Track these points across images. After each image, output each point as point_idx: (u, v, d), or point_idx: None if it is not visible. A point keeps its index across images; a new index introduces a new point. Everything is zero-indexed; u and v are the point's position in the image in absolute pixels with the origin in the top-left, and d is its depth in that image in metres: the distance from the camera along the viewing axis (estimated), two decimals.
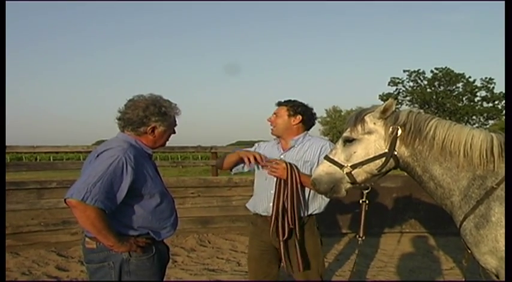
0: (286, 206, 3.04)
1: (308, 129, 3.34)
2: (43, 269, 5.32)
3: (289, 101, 3.28)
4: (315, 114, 3.35)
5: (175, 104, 2.57)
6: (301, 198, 3.11)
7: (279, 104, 3.30)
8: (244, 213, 3.43)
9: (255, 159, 3.13)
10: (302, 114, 3.25)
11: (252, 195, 3.43)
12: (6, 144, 6.39)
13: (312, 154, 3.20)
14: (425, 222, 7.22)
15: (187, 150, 8.74)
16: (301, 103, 3.28)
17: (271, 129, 3.30)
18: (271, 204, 3.11)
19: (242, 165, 3.28)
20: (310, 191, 3.15)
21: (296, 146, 3.24)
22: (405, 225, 7.31)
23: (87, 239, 2.39)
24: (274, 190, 3.09)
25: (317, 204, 3.22)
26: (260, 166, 3.21)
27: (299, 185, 3.06)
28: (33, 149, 7.13)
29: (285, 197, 3.04)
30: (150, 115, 2.43)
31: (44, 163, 11.57)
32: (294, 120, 3.23)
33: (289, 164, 3.07)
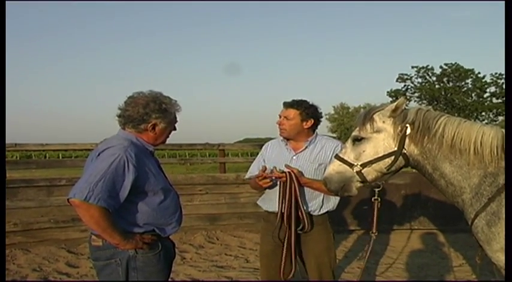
0: (285, 207, 3.06)
1: (316, 128, 3.30)
2: (53, 266, 5.37)
3: (299, 103, 3.18)
4: (321, 112, 3.30)
5: (176, 101, 2.55)
6: (302, 200, 3.10)
7: (288, 105, 3.19)
8: (253, 210, 3.43)
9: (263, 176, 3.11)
10: (314, 118, 3.20)
11: (262, 193, 3.41)
12: (17, 142, 6.47)
13: (325, 156, 3.18)
14: (434, 218, 7.17)
15: (195, 147, 8.75)
16: (311, 105, 3.20)
17: (281, 132, 3.21)
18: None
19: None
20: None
21: (309, 146, 3.21)
22: (414, 222, 7.27)
23: (93, 237, 2.40)
24: (278, 191, 3.10)
25: (331, 203, 3.24)
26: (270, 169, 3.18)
27: (297, 190, 3.05)
28: (43, 147, 7.19)
29: (285, 199, 3.06)
30: (150, 112, 2.42)
31: (53, 160, 11.67)
32: (307, 124, 3.17)
33: (289, 174, 3.03)
